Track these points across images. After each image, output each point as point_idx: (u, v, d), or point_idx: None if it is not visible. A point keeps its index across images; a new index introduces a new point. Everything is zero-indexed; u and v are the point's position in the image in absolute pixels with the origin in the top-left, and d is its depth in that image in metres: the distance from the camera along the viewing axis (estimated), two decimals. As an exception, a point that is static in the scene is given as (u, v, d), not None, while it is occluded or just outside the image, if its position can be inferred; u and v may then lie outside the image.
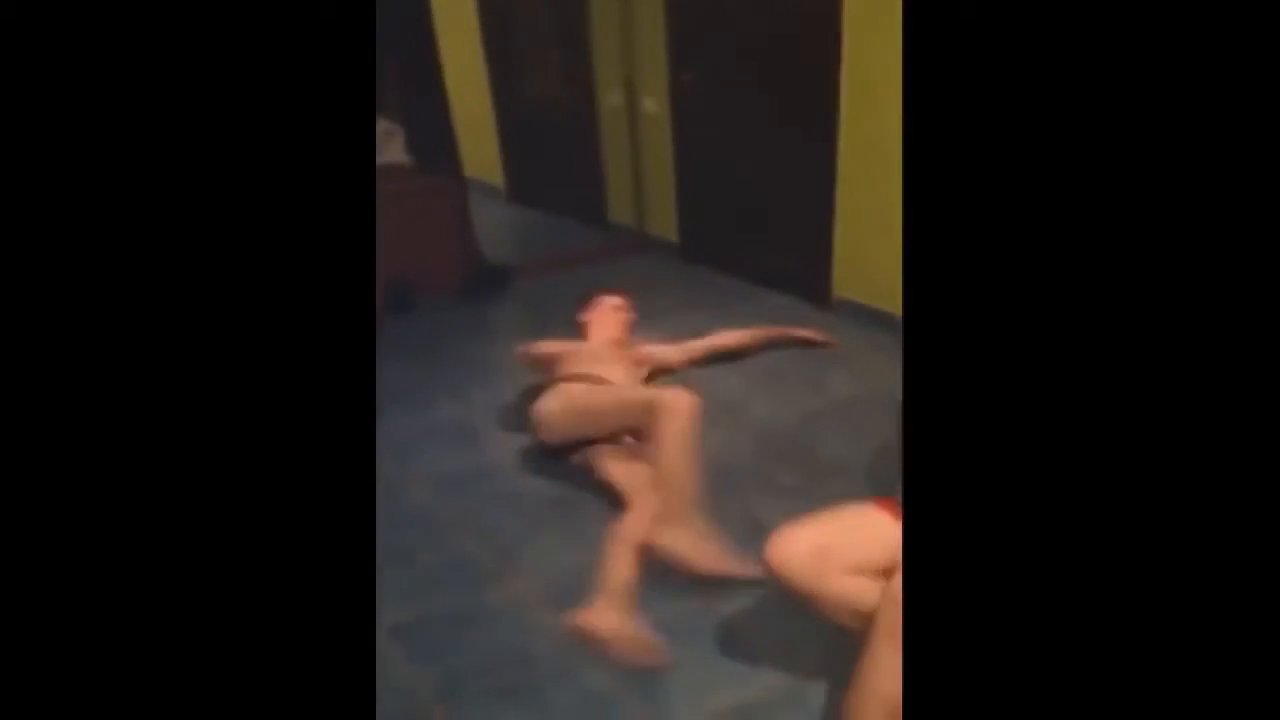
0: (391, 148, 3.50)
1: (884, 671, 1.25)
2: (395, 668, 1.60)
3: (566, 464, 2.18)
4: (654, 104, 3.62)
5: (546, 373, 2.35)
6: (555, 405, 2.14)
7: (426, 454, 2.36)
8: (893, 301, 2.84)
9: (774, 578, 1.39)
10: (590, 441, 2.11)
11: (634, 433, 2.07)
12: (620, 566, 1.70)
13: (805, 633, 1.54)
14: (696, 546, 1.76)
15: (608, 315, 2.57)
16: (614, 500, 1.98)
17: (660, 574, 1.74)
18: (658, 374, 2.58)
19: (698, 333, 2.89)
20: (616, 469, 2.03)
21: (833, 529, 1.41)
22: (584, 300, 2.66)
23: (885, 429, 2.31)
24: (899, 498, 1.43)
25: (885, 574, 1.33)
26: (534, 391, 2.28)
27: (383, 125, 3.48)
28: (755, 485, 2.09)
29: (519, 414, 2.42)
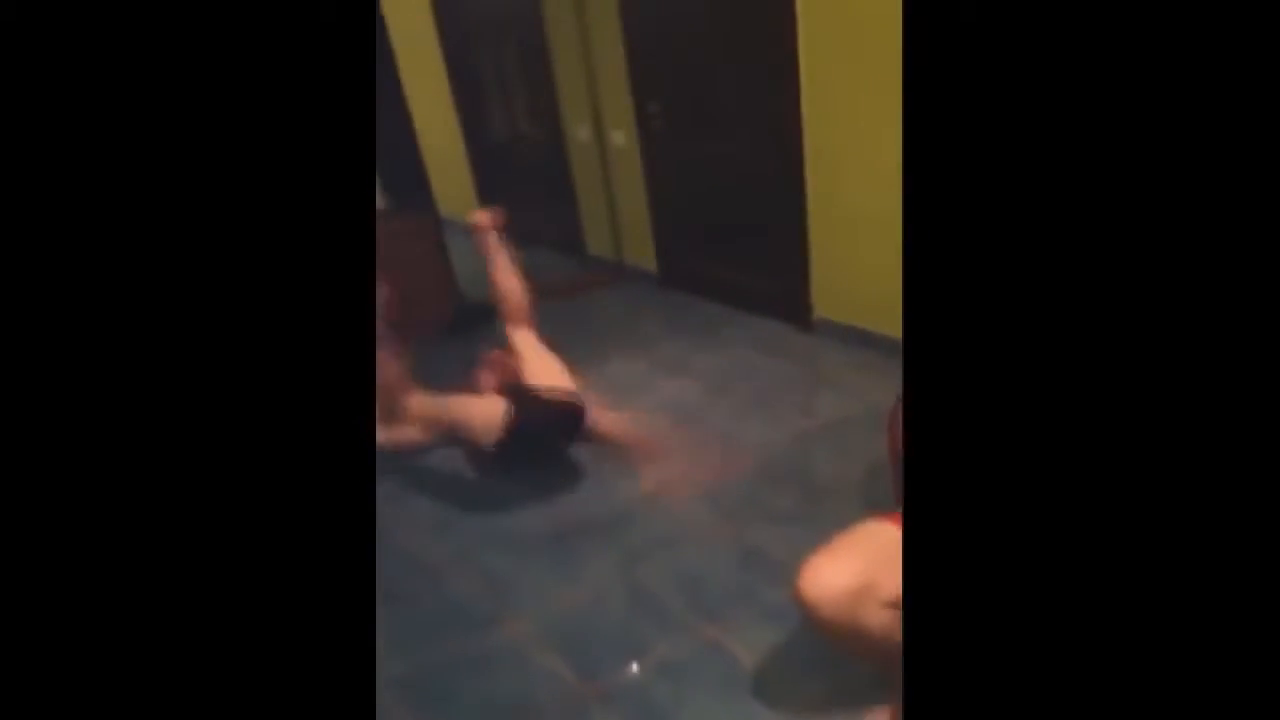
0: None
1: None
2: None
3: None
4: (622, 136, 3.64)
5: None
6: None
7: (420, 494, 2.34)
8: (873, 319, 2.85)
9: (809, 617, 1.23)
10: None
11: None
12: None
13: (825, 676, 1.53)
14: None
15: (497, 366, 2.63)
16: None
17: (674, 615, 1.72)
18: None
19: (682, 360, 2.90)
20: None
21: (869, 557, 1.23)
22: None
23: (876, 447, 2.31)
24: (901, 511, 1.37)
25: None
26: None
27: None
28: (752, 511, 2.08)
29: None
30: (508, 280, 2.67)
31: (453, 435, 2.34)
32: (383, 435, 2.49)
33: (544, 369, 2.40)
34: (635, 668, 1.60)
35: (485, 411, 2.21)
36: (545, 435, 2.30)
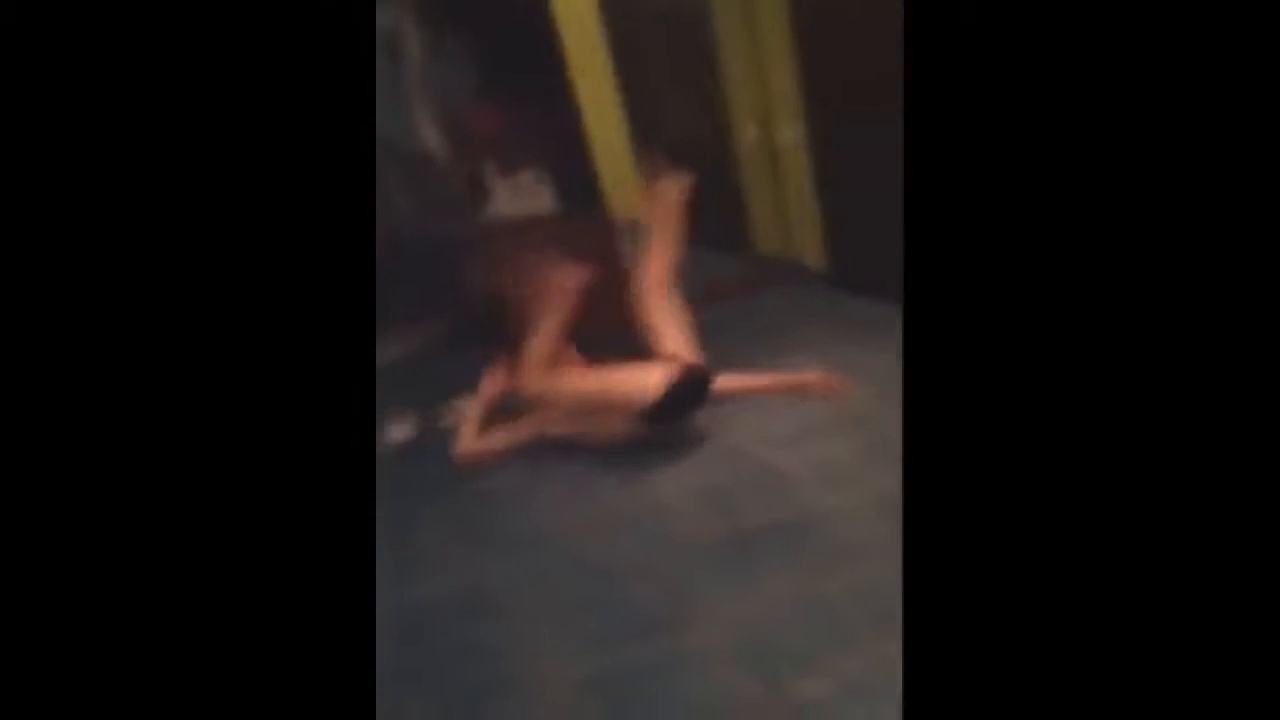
0: (541, 196, 3.64)
1: None
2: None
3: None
4: (791, 134, 3.61)
5: None
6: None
7: (590, 498, 2.43)
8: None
9: None
10: None
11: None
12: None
13: None
14: None
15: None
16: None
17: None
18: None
19: (853, 361, 2.85)
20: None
21: None
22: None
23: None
24: None
25: None
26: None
27: (530, 174, 3.62)
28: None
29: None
30: (664, 246, 2.78)
31: (601, 411, 2.46)
32: (530, 429, 2.62)
33: (678, 339, 2.59)
34: (817, 685, 1.61)
35: (641, 376, 2.42)
36: (692, 399, 2.47)
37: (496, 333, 3.59)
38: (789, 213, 3.89)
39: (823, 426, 2.56)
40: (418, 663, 1.92)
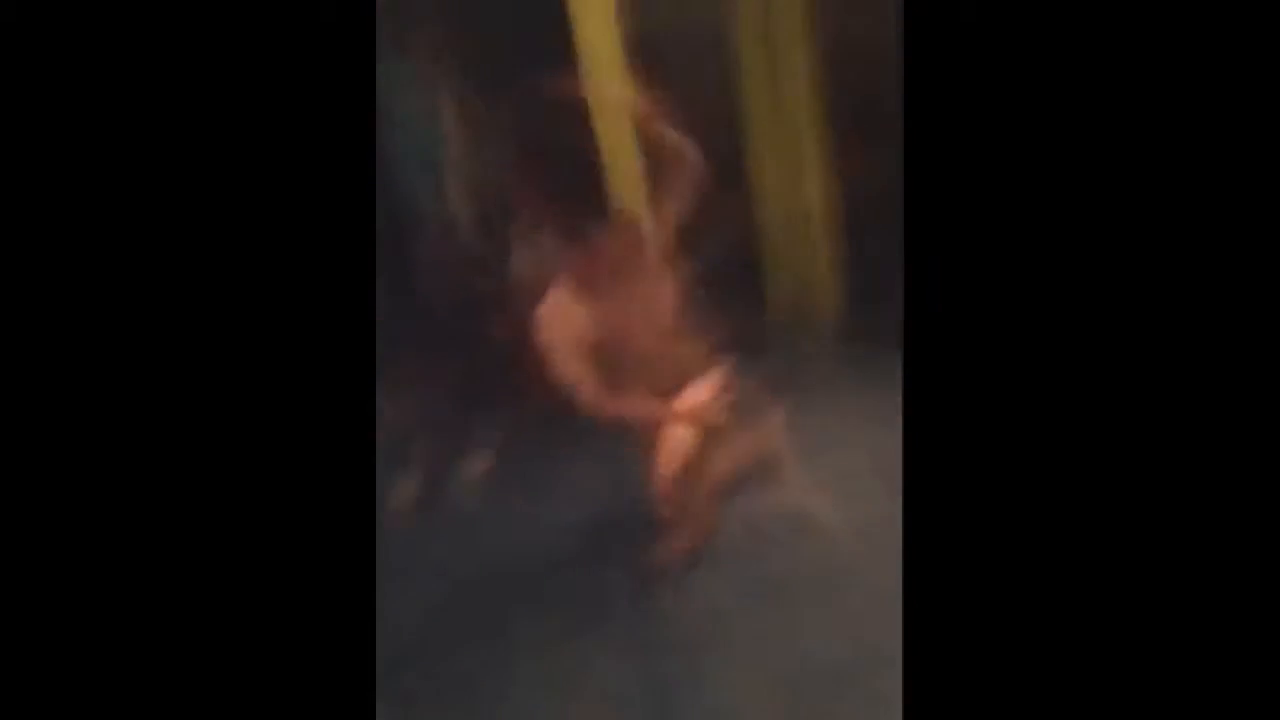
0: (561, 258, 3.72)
1: None
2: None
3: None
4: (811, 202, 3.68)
5: None
6: None
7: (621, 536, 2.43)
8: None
9: None
10: None
11: None
12: None
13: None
14: None
15: None
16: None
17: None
18: None
19: (863, 412, 2.86)
20: None
21: None
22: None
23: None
24: None
25: None
26: None
27: (552, 238, 3.72)
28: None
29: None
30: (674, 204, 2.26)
31: None
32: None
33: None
34: None
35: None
36: None
37: (510, 390, 3.64)
38: (808, 268, 3.95)
39: (839, 475, 2.56)
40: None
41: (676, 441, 2.14)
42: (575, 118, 3.86)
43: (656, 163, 2.05)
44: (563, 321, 2.01)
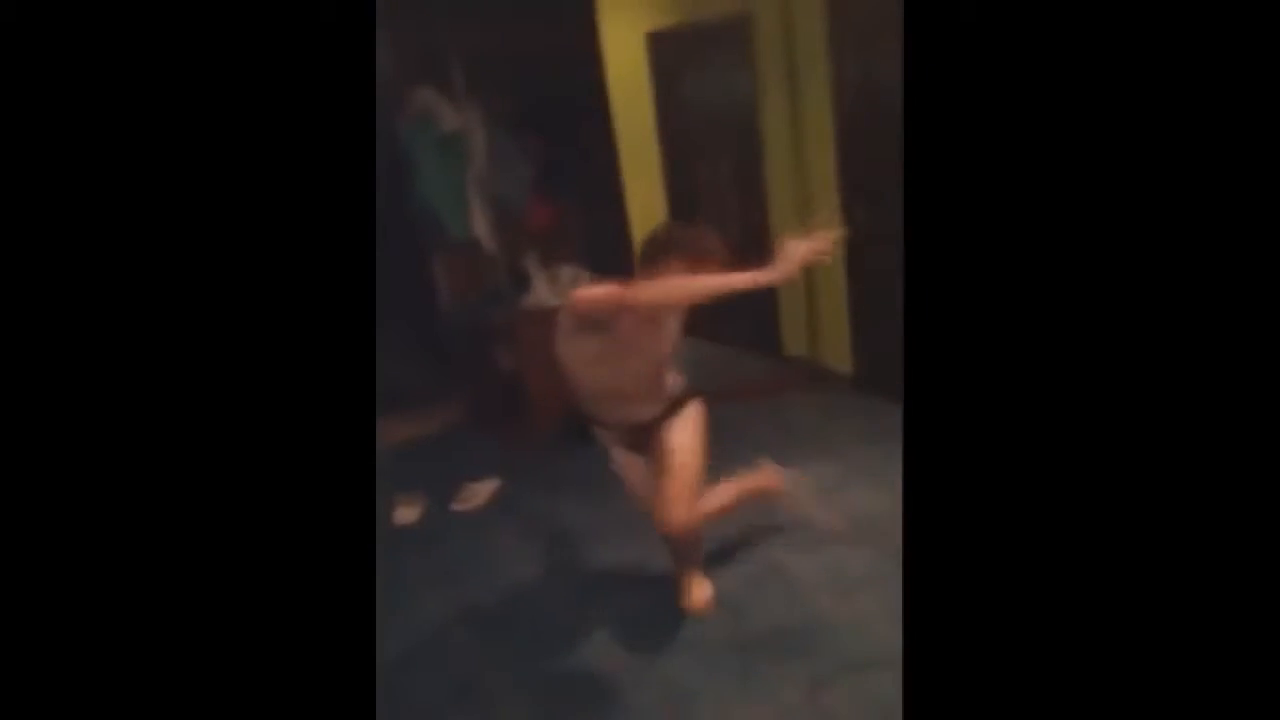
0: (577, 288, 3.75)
1: None
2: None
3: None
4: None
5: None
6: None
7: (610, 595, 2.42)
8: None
9: None
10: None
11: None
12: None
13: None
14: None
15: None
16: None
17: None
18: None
19: (873, 467, 2.84)
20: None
21: None
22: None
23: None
24: None
25: None
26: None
27: (570, 268, 3.75)
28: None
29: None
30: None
31: None
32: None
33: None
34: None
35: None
36: None
37: (516, 417, 3.66)
38: (819, 317, 3.95)
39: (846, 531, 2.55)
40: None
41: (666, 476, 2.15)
42: (603, 157, 3.92)
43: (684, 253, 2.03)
44: (571, 348, 2.00)
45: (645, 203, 4.90)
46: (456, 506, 3.17)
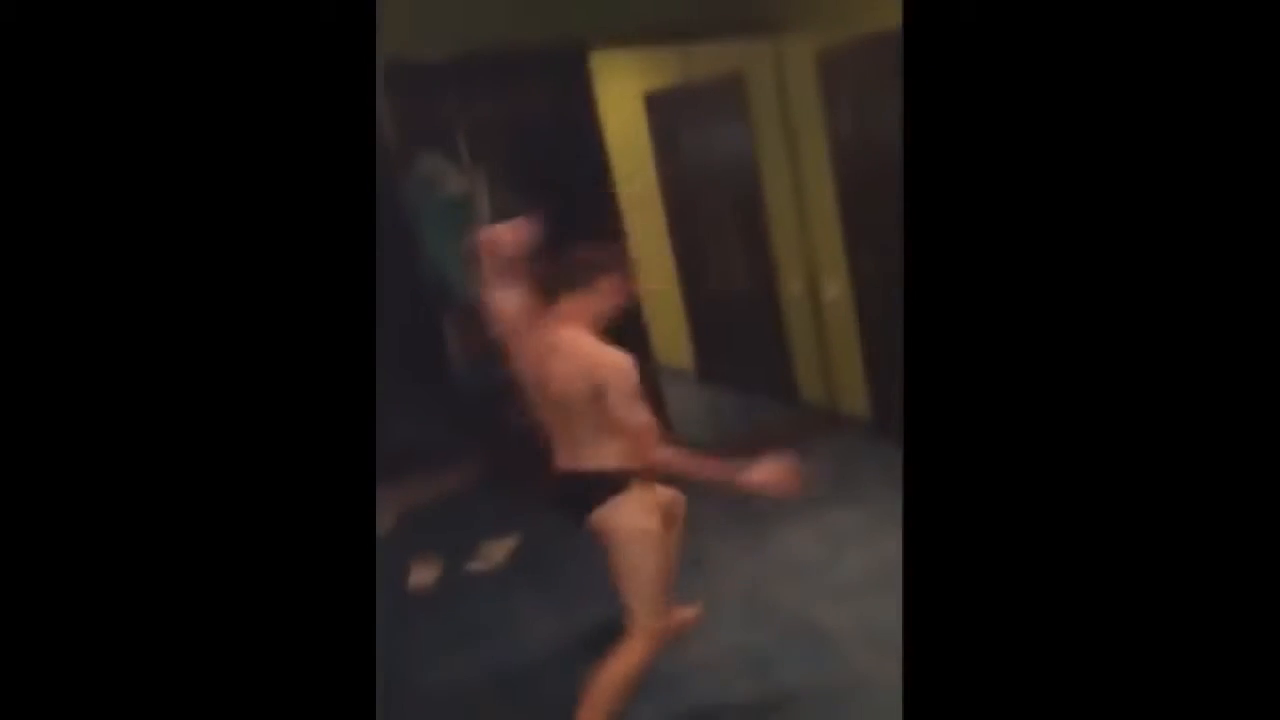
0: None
1: None
2: None
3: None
4: (836, 289, 3.69)
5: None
6: None
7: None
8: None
9: None
10: None
11: None
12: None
13: None
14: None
15: None
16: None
17: None
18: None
19: (893, 511, 2.79)
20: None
21: None
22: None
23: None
24: None
25: None
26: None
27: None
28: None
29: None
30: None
31: None
32: None
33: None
34: None
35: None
36: None
37: (531, 475, 3.61)
38: (834, 364, 3.93)
39: (868, 579, 2.49)
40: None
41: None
42: (606, 215, 3.95)
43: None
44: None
45: (649, 254, 4.93)
46: (474, 567, 3.12)
